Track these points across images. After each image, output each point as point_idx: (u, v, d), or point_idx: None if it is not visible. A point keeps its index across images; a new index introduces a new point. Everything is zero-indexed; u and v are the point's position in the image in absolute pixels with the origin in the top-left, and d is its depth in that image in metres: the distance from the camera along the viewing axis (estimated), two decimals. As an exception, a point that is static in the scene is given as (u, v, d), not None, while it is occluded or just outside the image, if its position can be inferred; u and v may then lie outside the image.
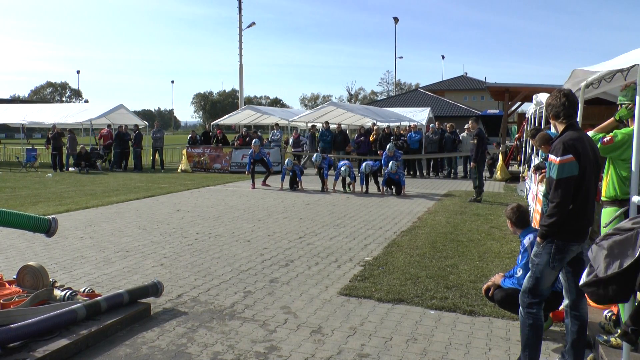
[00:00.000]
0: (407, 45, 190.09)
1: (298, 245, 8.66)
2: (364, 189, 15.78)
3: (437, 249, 8.25)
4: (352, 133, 29.94)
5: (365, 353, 4.58)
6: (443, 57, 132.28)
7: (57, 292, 5.54)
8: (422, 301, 5.85)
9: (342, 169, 15.61)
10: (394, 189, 15.54)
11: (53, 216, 5.30)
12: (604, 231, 4.82)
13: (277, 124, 25.79)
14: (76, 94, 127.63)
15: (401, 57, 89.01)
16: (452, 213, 11.69)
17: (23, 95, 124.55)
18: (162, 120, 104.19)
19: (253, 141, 17.91)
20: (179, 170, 23.33)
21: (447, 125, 21.65)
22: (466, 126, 21.48)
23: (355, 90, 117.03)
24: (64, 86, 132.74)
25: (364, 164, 15.87)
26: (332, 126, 23.38)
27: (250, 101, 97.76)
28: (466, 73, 78.90)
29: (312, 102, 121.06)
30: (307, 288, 6.38)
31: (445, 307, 5.68)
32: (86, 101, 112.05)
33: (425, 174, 21.84)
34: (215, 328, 5.14)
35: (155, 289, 5.76)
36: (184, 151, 24.12)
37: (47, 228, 5.13)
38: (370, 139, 22.07)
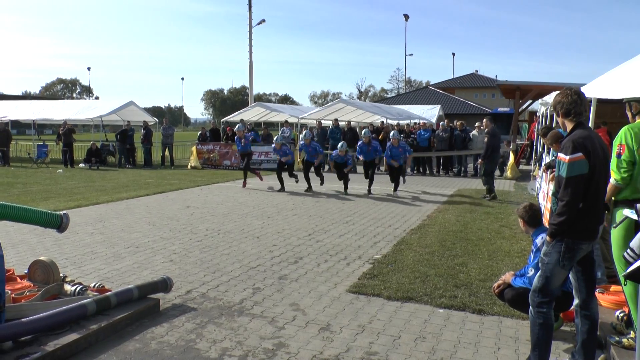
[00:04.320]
0: (418, 43, 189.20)
1: (307, 242, 8.65)
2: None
3: (447, 247, 8.23)
4: (362, 131, 30.00)
5: (374, 351, 4.57)
6: (453, 54, 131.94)
7: (68, 287, 5.58)
8: (431, 300, 5.84)
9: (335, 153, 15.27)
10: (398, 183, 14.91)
11: (64, 212, 5.33)
12: (613, 232, 4.78)
13: (286, 121, 25.79)
14: (87, 91, 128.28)
15: (411, 55, 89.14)
16: (461, 211, 11.65)
17: (34, 92, 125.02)
18: (172, 117, 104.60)
19: (275, 138, 16.78)
20: (189, 166, 23.39)
21: (457, 123, 21.57)
22: (477, 124, 21.45)
23: (365, 87, 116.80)
24: (74, 83, 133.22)
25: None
26: (341, 124, 23.36)
27: (260, 98, 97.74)
28: (477, 71, 78.33)
29: (321, 99, 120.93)
30: (316, 285, 6.38)
31: (455, 305, 5.66)
32: (97, 98, 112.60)
33: (435, 171, 21.78)
34: (224, 324, 5.15)
35: (164, 285, 5.79)
36: (194, 148, 24.18)
37: (59, 224, 5.16)
38: (380, 138, 22.02)
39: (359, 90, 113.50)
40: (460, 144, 20.94)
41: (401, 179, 15.15)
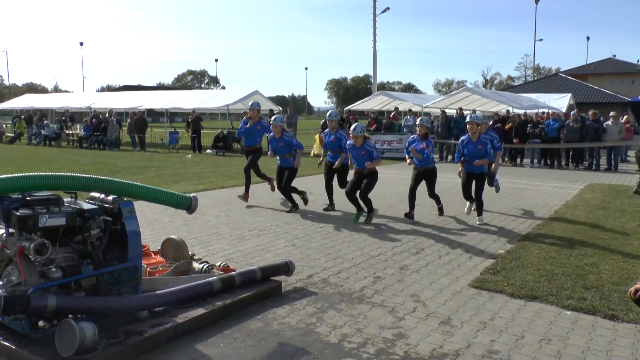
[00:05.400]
0: (548, 27, 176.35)
1: (429, 233, 8.54)
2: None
3: (575, 245, 7.77)
4: (487, 120, 29.06)
5: (495, 349, 4.42)
6: (588, 38, 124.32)
7: (196, 265, 5.90)
8: (557, 300, 5.53)
9: None
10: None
11: (193, 194, 5.62)
12: None
13: (410, 110, 25.51)
14: (214, 81, 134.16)
15: (541, 40, 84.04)
16: (592, 208, 10.95)
17: (167, 83, 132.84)
18: (295, 105, 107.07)
19: (273, 118, 10.73)
20: (312, 154, 23.75)
21: (590, 113, 20.25)
22: (611, 114, 20.02)
23: (491, 75, 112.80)
24: (203, 74, 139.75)
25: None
26: (465, 112, 22.74)
27: (383, 87, 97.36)
28: (614, 55, 72.90)
29: (445, 87, 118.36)
30: (437, 278, 6.29)
31: (583, 308, 5.32)
32: (223, 87, 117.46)
33: (563, 164, 20.63)
34: (344, 310, 5.21)
35: (286, 268, 5.95)
36: (317, 136, 24.54)
37: (188, 205, 5.45)
38: (506, 128, 21.21)
39: (484, 78, 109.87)
40: (592, 135, 19.61)
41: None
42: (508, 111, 22.73)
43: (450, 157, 21.68)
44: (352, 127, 9.36)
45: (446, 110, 23.78)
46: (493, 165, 9.95)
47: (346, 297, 5.58)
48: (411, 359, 4.23)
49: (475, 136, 9.29)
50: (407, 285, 5.99)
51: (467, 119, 9.56)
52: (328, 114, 10.68)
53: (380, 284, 6.05)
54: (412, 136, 9.96)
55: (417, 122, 9.86)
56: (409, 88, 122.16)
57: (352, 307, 5.32)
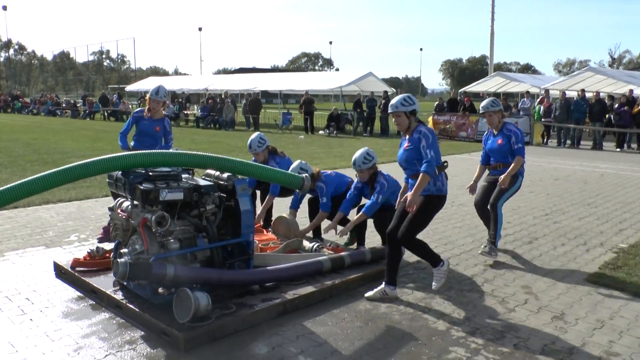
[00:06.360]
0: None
1: (543, 222, 8.18)
2: None
3: None
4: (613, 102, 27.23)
5: (614, 352, 4.14)
6: None
7: (306, 244, 6.05)
8: (690, 303, 5.10)
9: None
10: None
11: (306, 174, 5.74)
12: None
13: (527, 92, 24.43)
14: (328, 63, 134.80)
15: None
16: None
17: (281, 65, 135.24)
18: (409, 87, 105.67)
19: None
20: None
21: None
22: None
23: (619, 53, 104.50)
24: (317, 56, 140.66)
25: None
26: (588, 95, 21.45)
27: (499, 67, 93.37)
28: None
29: (566, 68, 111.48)
30: (551, 270, 6.02)
31: None
32: (337, 69, 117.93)
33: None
34: (453, 298, 5.14)
35: (396, 252, 5.93)
36: (430, 118, 24.15)
37: (300, 185, 5.60)
38: (634, 111, 19.73)
39: (611, 57, 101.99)
40: None
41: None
42: (631, 91, 21.09)
43: (568, 142, 20.62)
44: (353, 159, 6.18)
45: (566, 92, 22.50)
46: (502, 177, 6.31)
47: (456, 285, 5.49)
48: (521, 353, 4.10)
49: (496, 127, 6.49)
50: (519, 276, 5.80)
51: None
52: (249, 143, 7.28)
53: (490, 272, 5.89)
54: (356, 180, 6.47)
55: (353, 164, 6.17)
56: (527, 69, 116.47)
57: (461, 295, 5.23)
